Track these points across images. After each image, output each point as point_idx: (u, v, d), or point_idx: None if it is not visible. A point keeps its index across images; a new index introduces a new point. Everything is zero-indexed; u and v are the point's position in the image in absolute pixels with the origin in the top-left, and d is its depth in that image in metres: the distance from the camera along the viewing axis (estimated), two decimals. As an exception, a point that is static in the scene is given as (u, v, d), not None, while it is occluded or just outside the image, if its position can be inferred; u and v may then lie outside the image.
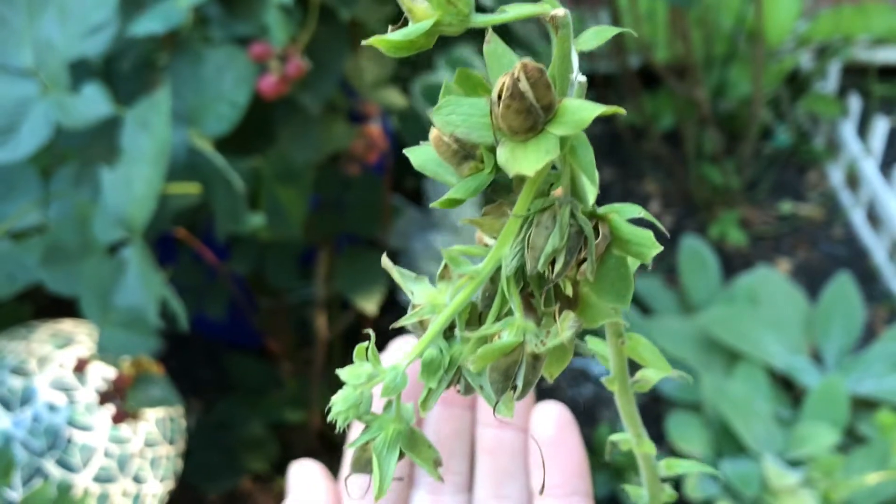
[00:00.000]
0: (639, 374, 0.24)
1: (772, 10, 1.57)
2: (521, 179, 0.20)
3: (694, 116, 1.58)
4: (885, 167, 1.64)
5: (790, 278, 1.50)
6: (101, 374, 0.83)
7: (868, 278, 1.55)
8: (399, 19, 0.21)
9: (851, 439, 1.22)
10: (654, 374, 0.24)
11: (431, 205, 0.20)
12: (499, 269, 0.21)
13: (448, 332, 0.21)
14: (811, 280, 1.55)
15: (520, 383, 0.21)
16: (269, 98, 0.68)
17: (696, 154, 1.64)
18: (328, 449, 1.20)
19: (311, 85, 0.69)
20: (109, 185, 0.64)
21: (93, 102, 0.64)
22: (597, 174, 0.20)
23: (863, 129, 1.72)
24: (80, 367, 0.81)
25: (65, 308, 0.93)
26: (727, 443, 1.23)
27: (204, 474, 1.12)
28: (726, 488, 1.18)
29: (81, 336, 0.87)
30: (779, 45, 1.66)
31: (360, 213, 0.97)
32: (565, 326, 0.20)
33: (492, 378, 0.21)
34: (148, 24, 0.66)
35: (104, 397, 0.77)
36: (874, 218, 1.64)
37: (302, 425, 1.17)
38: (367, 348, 0.21)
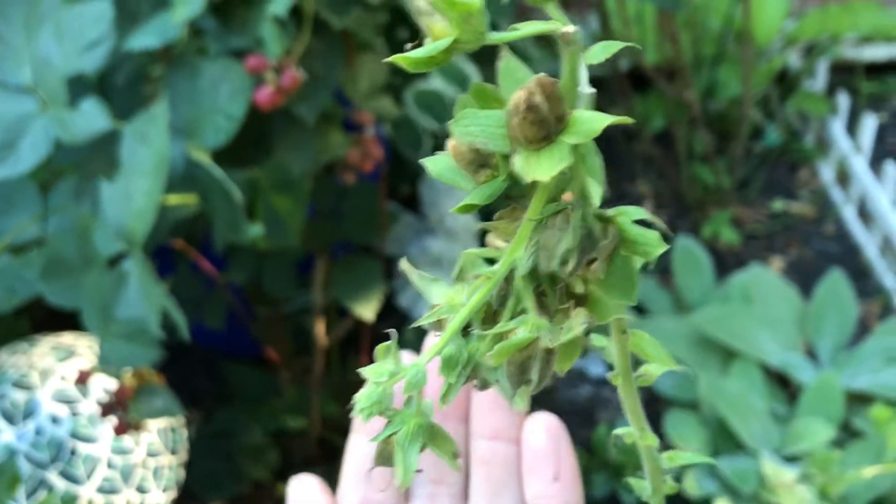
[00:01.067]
0: (642, 369, 0.25)
1: (759, 10, 1.59)
2: (535, 185, 0.22)
3: (684, 118, 1.59)
4: (874, 164, 1.66)
5: (783, 276, 1.52)
6: (103, 385, 0.83)
7: (860, 274, 1.56)
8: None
9: (847, 434, 1.23)
10: (656, 368, 0.25)
11: (451, 210, 0.21)
12: (513, 269, 0.22)
13: (465, 331, 0.23)
14: (804, 277, 1.56)
15: (535, 377, 0.22)
16: (265, 110, 0.69)
17: (688, 154, 1.66)
18: (328, 456, 1.21)
19: (306, 96, 0.70)
20: (109, 198, 0.64)
21: (91, 117, 0.65)
22: (604, 180, 0.22)
23: (852, 127, 1.73)
24: (82, 380, 0.81)
25: (62, 321, 0.94)
26: (724, 440, 1.24)
27: (205, 483, 1.13)
28: (724, 485, 1.19)
29: (82, 348, 0.88)
30: (767, 45, 1.67)
31: (356, 220, 0.98)
32: (577, 322, 0.21)
33: (508, 372, 0.22)
34: (143, 39, 0.67)
35: (106, 409, 0.77)
36: (865, 214, 1.65)
37: (302, 432, 1.18)
38: (387, 347, 0.22)
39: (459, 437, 0.37)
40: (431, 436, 0.23)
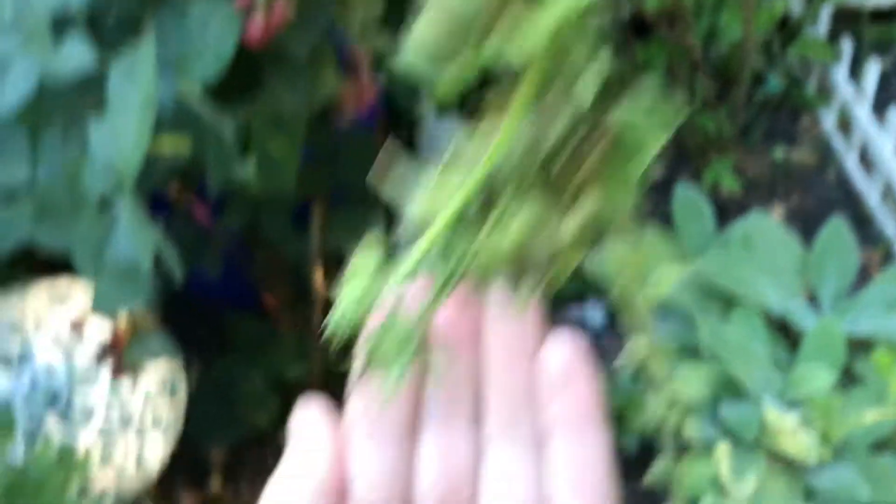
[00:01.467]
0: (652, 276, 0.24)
1: (762, -47, 1.56)
2: (521, 76, 0.20)
3: (685, 62, 1.57)
4: (877, 110, 1.64)
5: (785, 223, 1.50)
6: (99, 330, 0.83)
7: (862, 222, 1.55)
8: None
9: (848, 379, 1.23)
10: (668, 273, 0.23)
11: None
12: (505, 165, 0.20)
13: (456, 229, 0.21)
14: (805, 225, 1.55)
15: (534, 277, 0.20)
16: (254, 47, 0.67)
17: (689, 101, 1.64)
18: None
19: (297, 32, 0.69)
20: (97, 137, 0.63)
21: (76, 55, 0.64)
22: (598, 72, 0.20)
23: (855, 73, 1.71)
24: (77, 325, 0.81)
25: (59, 265, 0.93)
26: (726, 387, 1.24)
27: (206, 430, 1.13)
28: (726, 431, 1.19)
29: (77, 293, 0.87)
30: (769, -10, 1.64)
31: (352, 165, 0.97)
32: (577, 215, 0.20)
33: (506, 273, 0.20)
34: (129, -26, 0.66)
35: (102, 352, 0.77)
36: (867, 161, 1.63)
37: (302, 380, 1.18)
38: (374, 239, 0.21)
39: (470, 361, 0.35)
40: (420, 346, 0.22)
